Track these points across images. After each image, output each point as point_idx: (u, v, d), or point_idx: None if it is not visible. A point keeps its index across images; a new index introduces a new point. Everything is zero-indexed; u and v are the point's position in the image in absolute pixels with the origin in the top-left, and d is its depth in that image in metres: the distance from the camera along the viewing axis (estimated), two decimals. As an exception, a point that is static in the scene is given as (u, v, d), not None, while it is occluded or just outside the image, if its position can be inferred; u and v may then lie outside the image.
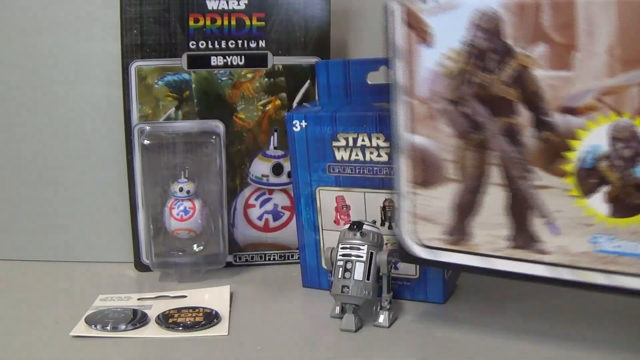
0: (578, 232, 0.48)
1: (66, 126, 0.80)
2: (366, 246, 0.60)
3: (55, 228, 0.82)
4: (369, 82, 0.69)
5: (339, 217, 0.68)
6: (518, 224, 0.51)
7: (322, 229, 0.69)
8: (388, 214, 0.66)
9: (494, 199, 0.51)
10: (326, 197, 0.68)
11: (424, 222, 0.55)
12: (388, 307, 0.61)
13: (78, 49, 0.79)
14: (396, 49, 0.53)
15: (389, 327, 0.61)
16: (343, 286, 0.60)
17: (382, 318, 0.61)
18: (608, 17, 0.45)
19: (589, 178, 0.47)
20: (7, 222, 0.82)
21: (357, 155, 0.66)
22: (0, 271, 0.79)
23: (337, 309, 0.63)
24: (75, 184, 0.81)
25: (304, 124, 0.67)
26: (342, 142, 0.66)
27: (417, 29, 0.52)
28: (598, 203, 0.47)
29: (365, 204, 0.67)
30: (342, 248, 0.61)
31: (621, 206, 0.47)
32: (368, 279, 0.60)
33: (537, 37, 0.48)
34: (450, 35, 0.51)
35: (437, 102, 0.52)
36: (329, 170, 0.67)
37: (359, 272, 0.60)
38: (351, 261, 0.60)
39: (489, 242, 0.52)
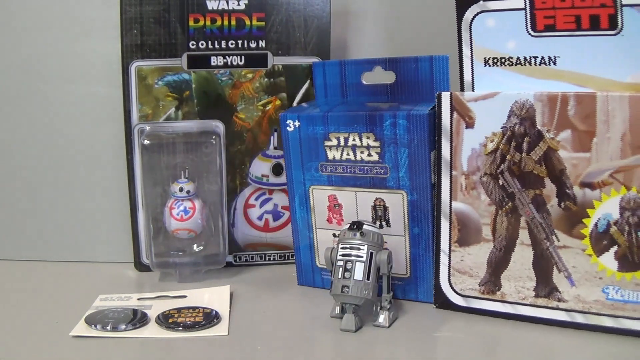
0: (591, 284, 0.58)
1: (66, 126, 0.80)
2: (366, 246, 0.60)
3: (55, 228, 0.82)
4: (364, 82, 0.69)
5: (331, 215, 0.69)
6: (541, 277, 0.60)
7: (316, 228, 0.70)
8: (379, 212, 0.66)
9: (522, 256, 0.60)
10: (319, 196, 0.69)
11: (460, 274, 0.63)
12: (388, 307, 0.61)
13: (78, 49, 0.79)
14: (443, 130, 0.62)
15: (388, 327, 0.61)
16: (343, 286, 0.60)
17: (382, 318, 0.61)
18: (621, 110, 0.55)
19: (602, 240, 0.57)
20: (7, 222, 0.82)
21: (348, 154, 0.66)
22: (0, 271, 0.79)
23: (337, 309, 0.63)
24: (75, 184, 0.81)
25: (297, 123, 0.68)
26: (334, 142, 0.66)
27: (462, 113, 0.61)
28: (609, 260, 0.57)
29: (356, 202, 0.67)
30: (342, 248, 0.61)
31: (627, 263, 0.56)
32: (368, 279, 0.60)
33: (563, 124, 0.57)
34: (490, 120, 0.60)
35: (477, 175, 0.61)
36: (321, 170, 0.68)
37: (359, 272, 0.60)
38: (351, 261, 0.60)
39: (516, 292, 0.61)
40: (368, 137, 0.65)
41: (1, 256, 0.82)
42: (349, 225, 0.62)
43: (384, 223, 0.66)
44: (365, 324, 0.61)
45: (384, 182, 0.65)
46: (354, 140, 0.65)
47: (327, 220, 0.69)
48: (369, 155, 0.65)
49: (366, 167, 0.66)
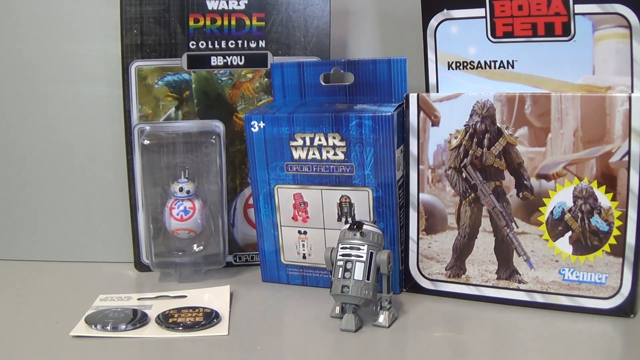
0: (549, 267, 0.63)
1: (66, 126, 0.80)
2: (366, 246, 0.60)
3: (55, 228, 0.82)
4: (323, 83, 0.71)
5: (296, 213, 0.70)
6: (503, 261, 0.65)
7: (281, 226, 0.71)
8: (344, 209, 0.68)
9: (484, 242, 0.65)
10: (284, 195, 0.70)
11: (427, 260, 0.68)
12: (388, 307, 0.61)
13: (78, 49, 0.79)
14: (411, 128, 0.66)
15: (388, 327, 0.61)
16: (343, 286, 0.60)
17: (382, 318, 0.61)
18: (573, 108, 0.60)
19: (557, 226, 0.62)
20: (7, 222, 0.82)
21: (314, 154, 0.68)
22: (0, 271, 0.79)
23: (337, 309, 0.63)
24: (75, 184, 0.81)
25: (262, 124, 0.69)
26: (300, 142, 0.68)
27: (428, 112, 0.65)
28: (564, 244, 0.62)
29: (322, 200, 0.69)
30: (342, 248, 0.61)
31: (581, 246, 0.62)
32: (368, 279, 0.60)
33: (521, 122, 0.62)
34: (454, 118, 0.65)
35: (442, 168, 0.66)
36: (287, 169, 0.69)
37: (359, 272, 0.60)
38: (351, 261, 0.60)
39: (480, 275, 0.66)
40: (334, 137, 0.67)
41: (1, 256, 0.82)
42: (349, 225, 0.62)
43: (349, 219, 0.68)
44: (365, 324, 0.61)
45: (350, 180, 0.67)
46: (319, 140, 0.67)
47: (292, 218, 0.70)
48: (335, 154, 0.67)
49: (332, 166, 0.67)
